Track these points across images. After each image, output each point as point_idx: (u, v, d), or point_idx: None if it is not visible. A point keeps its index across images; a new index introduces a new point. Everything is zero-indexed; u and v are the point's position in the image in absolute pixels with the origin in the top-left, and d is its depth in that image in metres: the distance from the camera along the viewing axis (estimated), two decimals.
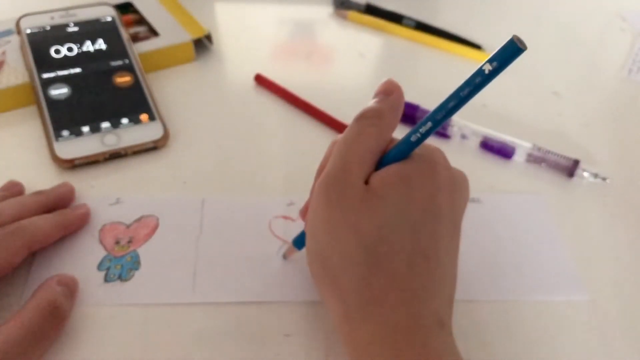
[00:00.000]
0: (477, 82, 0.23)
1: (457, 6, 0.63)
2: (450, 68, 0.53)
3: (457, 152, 0.43)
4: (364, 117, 0.28)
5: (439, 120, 0.25)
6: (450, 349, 0.25)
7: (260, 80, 0.48)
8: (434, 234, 0.26)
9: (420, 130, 0.26)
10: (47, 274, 0.32)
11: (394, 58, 0.54)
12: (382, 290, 0.25)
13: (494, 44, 0.56)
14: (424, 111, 0.45)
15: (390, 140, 0.28)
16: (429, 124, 0.25)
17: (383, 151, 0.28)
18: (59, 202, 0.35)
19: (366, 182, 0.27)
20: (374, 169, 0.27)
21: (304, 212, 0.31)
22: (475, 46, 0.55)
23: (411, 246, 0.25)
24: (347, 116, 0.44)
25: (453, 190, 0.28)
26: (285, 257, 0.34)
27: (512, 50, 0.21)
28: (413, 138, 0.26)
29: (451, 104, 0.24)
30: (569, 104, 0.50)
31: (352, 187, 0.26)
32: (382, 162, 0.27)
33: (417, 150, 0.27)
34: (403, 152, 0.27)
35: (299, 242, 0.33)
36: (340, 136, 0.28)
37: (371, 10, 0.59)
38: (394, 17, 0.58)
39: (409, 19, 0.57)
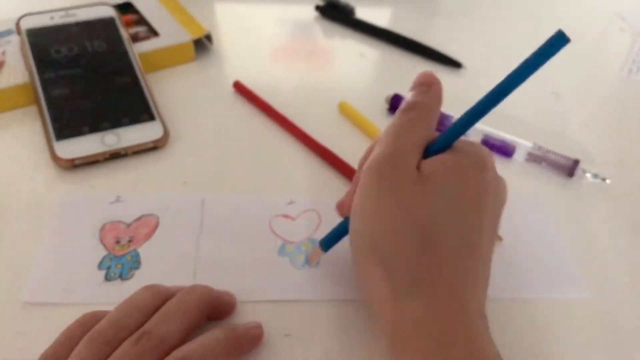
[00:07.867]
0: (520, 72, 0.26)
1: (453, 19, 0.63)
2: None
3: None
4: (413, 108, 0.29)
5: (482, 110, 0.27)
6: (492, 341, 0.25)
7: (239, 88, 0.47)
8: (479, 227, 0.26)
9: (466, 119, 0.27)
10: (46, 273, 0.32)
11: (394, 58, 0.54)
12: (430, 271, 0.25)
13: (488, 61, 0.56)
14: None
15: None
16: (474, 114, 0.27)
17: (428, 142, 0.28)
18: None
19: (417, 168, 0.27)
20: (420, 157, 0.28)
21: (343, 204, 0.31)
22: (456, 64, 0.52)
23: (458, 234, 0.26)
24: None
25: (497, 191, 0.28)
26: (309, 261, 0.33)
27: (558, 41, 0.24)
28: (458, 126, 0.27)
29: (494, 95, 0.26)
30: (569, 104, 0.50)
31: (405, 170, 0.26)
32: (428, 151, 0.28)
33: (466, 146, 0.28)
34: (449, 140, 0.28)
35: (328, 242, 0.32)
36: (388, 125, 0.29)
37: (356, 24, 0.57)
38: (377, 32, 0.56)
39: (390, 33, 0.55)
